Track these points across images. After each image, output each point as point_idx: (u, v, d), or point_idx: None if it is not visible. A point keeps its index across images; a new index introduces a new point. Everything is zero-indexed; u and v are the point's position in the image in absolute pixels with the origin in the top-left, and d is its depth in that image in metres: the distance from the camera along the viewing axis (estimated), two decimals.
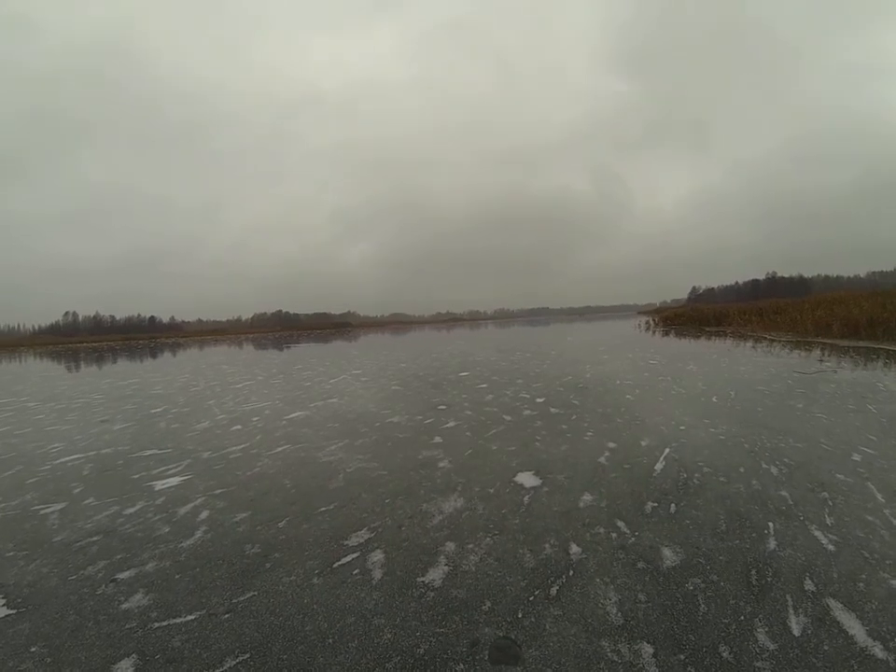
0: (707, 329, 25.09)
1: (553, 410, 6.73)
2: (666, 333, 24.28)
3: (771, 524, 3.17)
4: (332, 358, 19.21)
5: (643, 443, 4.94)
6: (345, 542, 3.15)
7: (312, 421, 6.89)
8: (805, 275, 68.90)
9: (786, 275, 70.73)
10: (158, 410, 8.44)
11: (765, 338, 16.66)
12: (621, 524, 3.23)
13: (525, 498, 3.69)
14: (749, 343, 15.30)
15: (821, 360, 10.39)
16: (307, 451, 5.37)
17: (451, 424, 6.23)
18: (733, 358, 11.48)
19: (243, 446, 5.67)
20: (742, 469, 4.11)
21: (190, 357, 24.86)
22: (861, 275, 65.06)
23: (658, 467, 4.24)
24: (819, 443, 4.71)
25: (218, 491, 4.20)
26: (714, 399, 6.87)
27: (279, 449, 5.49)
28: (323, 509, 3.73)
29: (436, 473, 4.38)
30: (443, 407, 7.36)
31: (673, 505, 3.48)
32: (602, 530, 3.14)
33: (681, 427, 5.47)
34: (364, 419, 6.82)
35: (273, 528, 3.42)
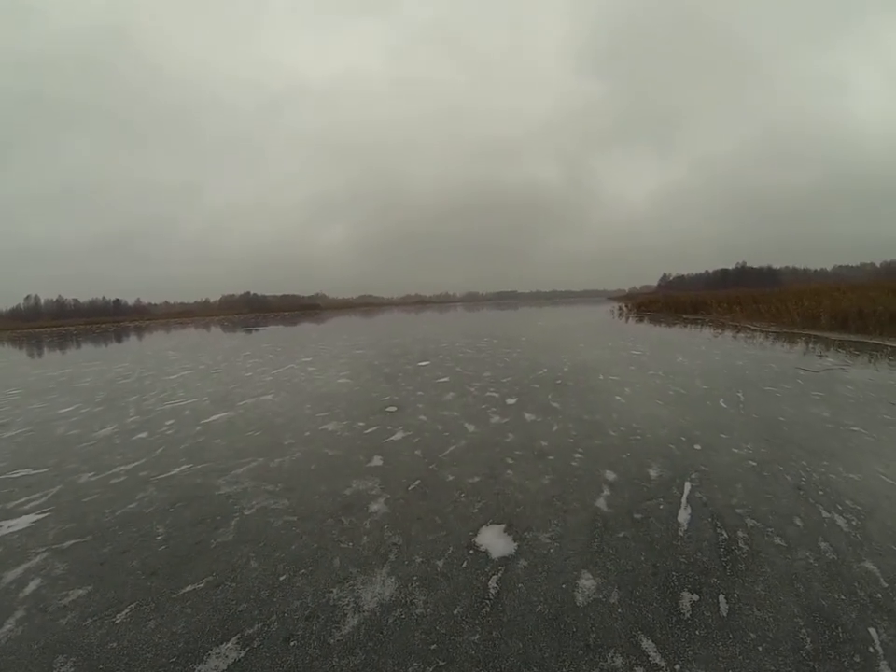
0: (684, 316, 24.37)
1: (527, 416, 5.49)
2: (641, 320, 23.47)
3: (874, 632, 2.04)
4: (287, 344, 17.81)
5: (652, 473, 3.72)
6: (196, 667, 1.86)
7: (232, 427, 5.58)
8: (774, 266, 69.59)
9: (755, 266, 71.26)
10: (67, 410, 7.03)
11: (749, 328, 15.84)
12: (647, 643, 2.01)
13: (492, 584, 2.40)
14: (735, 334, 14.42)
15: (821, 356, 9.44)
16: (206, 476, 4.05)
17: (398, 435, 4.94)
18: (724, 351, 10.46)
19: (134, 465, 4.42)
20: (799, 522, 2.92)
21: (143, 343, 22.73)
22: (828, 269, 66.01)
23: (682, 517, 3.01)
24: (877, 475, 3.60)
25: (68, 543, 3.00)
26: (722, 404, 5.73)
27: (174, 471, 4.21)
28: (189, 588, 2.49)
29: (363, 525, 3.07)
30: (393, 409, 6.07)
31: (722, 598, 2.26)
32: (618, 661, 1.87)
33: (696, 446, 4.28)
34: (294, 426, 5.51)
35: (104, 625, 2.24)
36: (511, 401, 6.27)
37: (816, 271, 66.86)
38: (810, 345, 11.15)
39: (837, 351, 10.04)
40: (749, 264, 72.57)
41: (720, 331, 15.46)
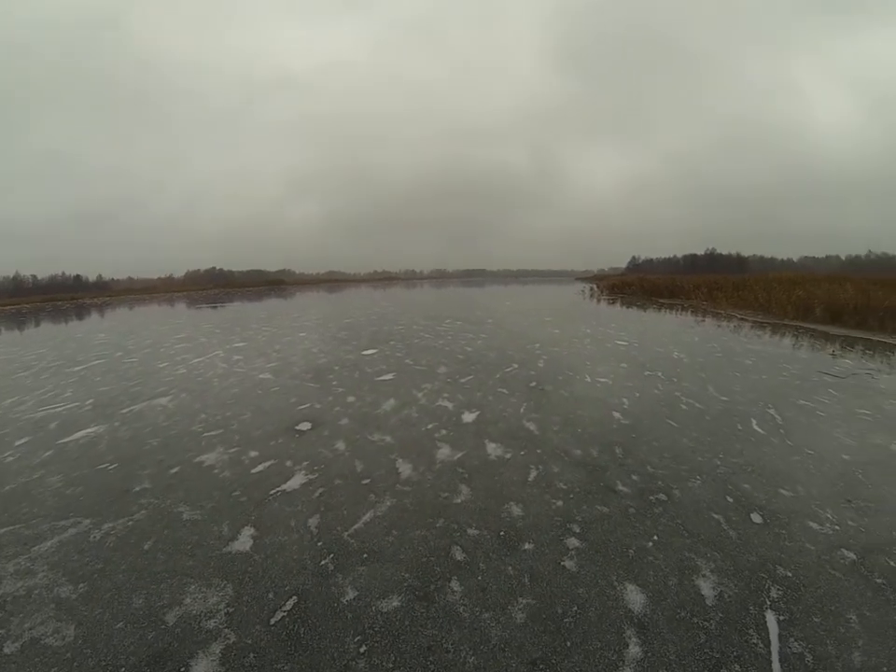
0: (661, 301, 23.17)
1: (491, 448, 3.94)
2: (613, 302, 22.14)
3: None
4: (231, 323, 15.71)
5: (708, 591, 2.18)
6: None
7: (87, 453, 4.05)
8: (743, 255, 69.61)
9: (724, 253, 71.12)
10: None
11: (737, 317, 14.60)
12: None
13: None
14: (724, 323, 13.14)
15: (834, 355, 8.17)
16: None
17: (294, 482, 3.35)
18: (723, 345, 9.10)
19: None
20: None
21: (82, 323, 19.95)
22: (794, 259, 66.37)
23: None
24: None
25: None
26: (757, 428, 4.32)
27: None
28: None
29: None
30: (306, 426, 4.48)
31: None
32: None
33: (757, 520, 2.75)
34: (166, 452, 3.99)
35: None
36: (468, 418, 4.71)
37: (782, 260, 67.07)
38: (814, 341, 9.90)
39: (847, 350, 8.80)
40: (717, 251, 72.41)
41: (706, 319, 14.20)
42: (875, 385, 5.92)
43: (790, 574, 2.30)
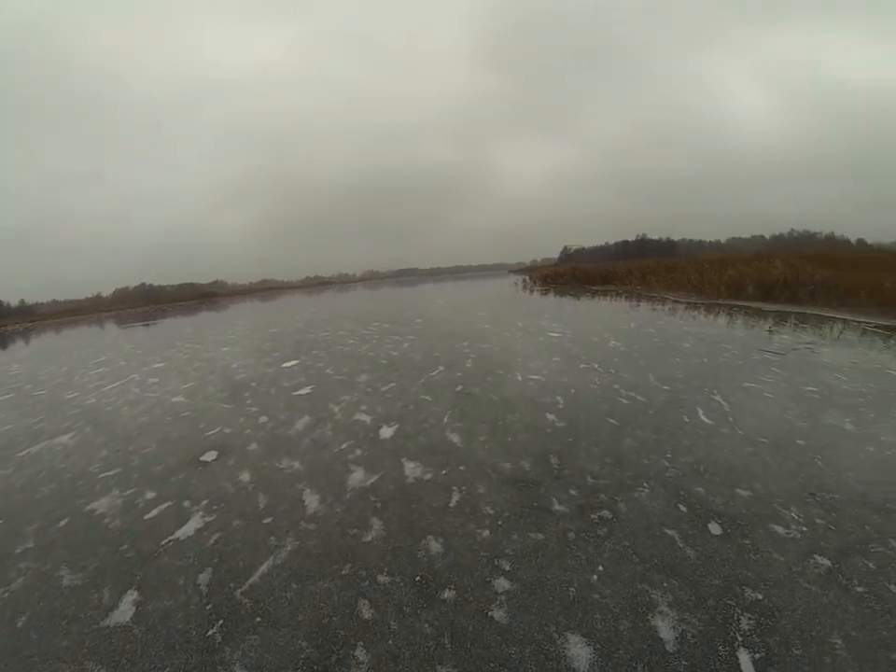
0: (594, 288, 23.75)
1: (409, 468, 3.61)
2: (546, 293, 22.61)
3: None
4: (155, 342, 15.72)
5: (668, 633, 1.94)
6: None
7: None
8: (673, 238, 73.05)
9: (654, 238, 74.35)
10: None
11: (672, 300, 15.04)
12: None
13: None
14: (660, 307, 13.45)
15: (771, 331, 8.43)
16: None
17: (189, 527, 3.06)
18: (660, 329, 9.20)
19: None
20: None
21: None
22: (722, 241, 70.37)
23: None
24: None
25: None
26: (704, 418, 4.17)
27: None
28: None
29: None
30: (212, 456, 4.27)
31: None
32: None
33: (716, 531, 2.51)
34: (56, 500, 3.74)
35: None
36: (386, 432, 4.37)
37: (710, 242, 71.01)
38: (749, 319, 10.24)
39: (783, 325, 9.14)
40: (648, 236, 75.59)
41: (640, 304, 14.53)
42: (817, 360, 6.05)
43: (760, 596, 2.06)
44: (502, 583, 2.26)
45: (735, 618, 1.96)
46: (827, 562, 2.25)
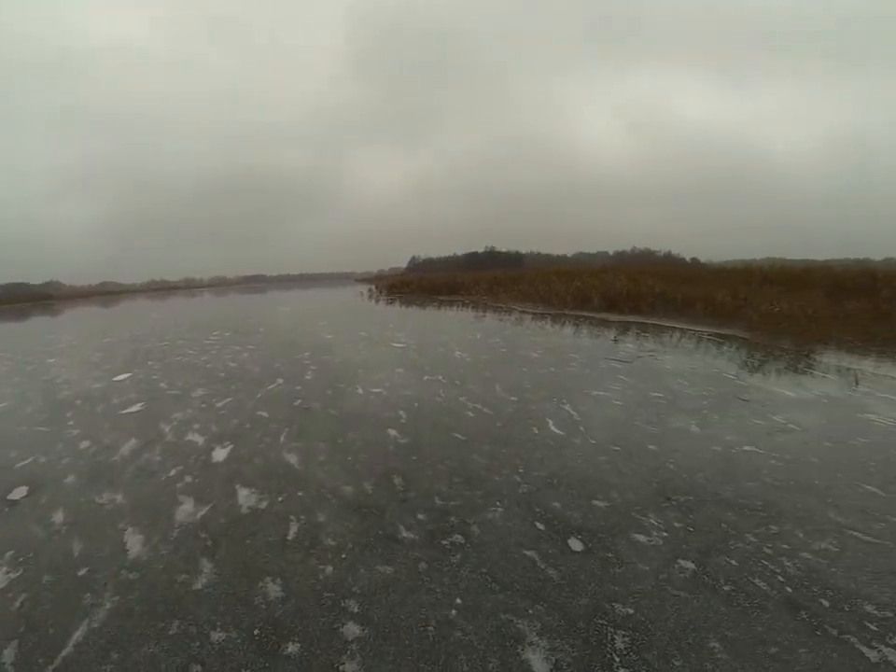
0: (441, 298, 24.29)
1: (243, 496, 3.31)
2: (392, 302, 22.88)
3: None
4: None
5: (542, 667, 1.79)
6: None
7: None
8: (521, 251, 77.50)
9: (503, 250, 78.27)
10: None
11: (518, 310, 15.72)
12: None
13: None
14: (505, 317, 14.11)
15: (616, 340, 9.08)
16: None
17: None
18: (506, 339, 9.52)
19: None
20: None
21: None
22: (569, 255, 76.08)
23: None
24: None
25: None
26: (555, 429, 4.27)
27: None
28: None
29: None
30: (21, 493, 3.74)
31: None
32: None
33: (577, 547, 2.48)
34: None
35: None
36: (220, 455, 4.01)
37: (558, 256, 76.29)
38: (595, 329, 10.97)
39: (626, 334, 9.91)
40: (497, 248, 79.40)
41: (487, 314, 15.05)
42: (660, 367, 6.55)
43: (631, 611, 2.00)
44: (352, 629, 1.99)
45: (609, 637, 1.88)
46: (691, 565, 2.29)
